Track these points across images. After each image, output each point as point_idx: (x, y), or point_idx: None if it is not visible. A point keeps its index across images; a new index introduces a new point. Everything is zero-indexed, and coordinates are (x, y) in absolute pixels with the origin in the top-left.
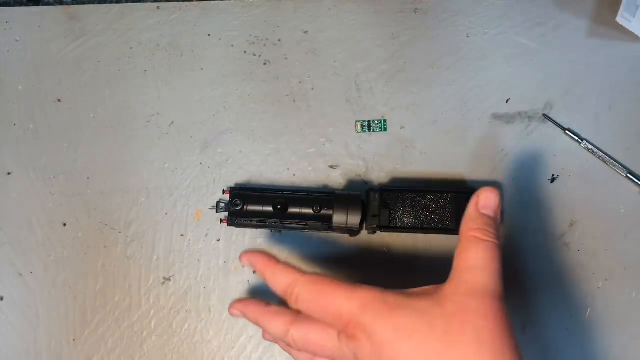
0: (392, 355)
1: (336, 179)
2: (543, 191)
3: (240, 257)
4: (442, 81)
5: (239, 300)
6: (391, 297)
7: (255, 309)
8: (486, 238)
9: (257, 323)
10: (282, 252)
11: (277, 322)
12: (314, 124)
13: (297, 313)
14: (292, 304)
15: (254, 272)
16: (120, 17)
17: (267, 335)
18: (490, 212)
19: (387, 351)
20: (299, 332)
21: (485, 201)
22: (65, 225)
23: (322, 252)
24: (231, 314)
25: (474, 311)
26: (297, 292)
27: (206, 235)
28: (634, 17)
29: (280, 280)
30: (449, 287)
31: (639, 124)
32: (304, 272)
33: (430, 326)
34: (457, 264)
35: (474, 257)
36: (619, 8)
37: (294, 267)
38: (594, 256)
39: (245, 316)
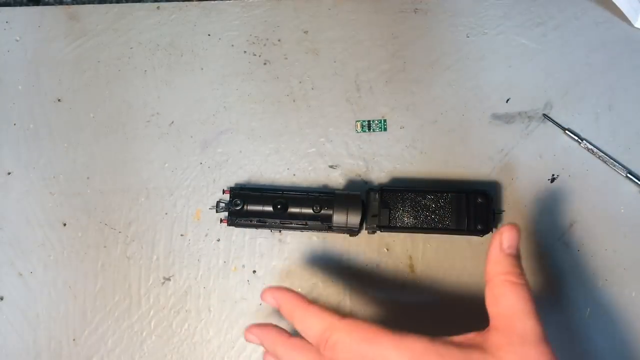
0: None
1: (336, 179)
2: (543, 191)
3: (263, 293)
4: (442, 81)
5: (257, 325)
6: (443, 349)
7: (276, 339)
8: (519, 280)
9: (274, 353)
10: (282, 252)
11: (300, 358)
12: (314, 124)
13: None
14: (328, 351)
15: (279, 311)
16: (120, 17)
17: None
18: (514, 250)
19: None
20: None
21: (510, 241)
22: (65, 225)
23: (322, 252)
24: (246, 339)
25: None
26: (335, 339)
27: (206, 235)
28: None
29: (313, 324)
30: (499, 337)
31: (639, 124)
32: (342, 316)
33: None
34: (498, 311)
35: (515, 304)
36: (618, 9)
37: (329, 310)
38: (594, 256)
39: (262, 343)
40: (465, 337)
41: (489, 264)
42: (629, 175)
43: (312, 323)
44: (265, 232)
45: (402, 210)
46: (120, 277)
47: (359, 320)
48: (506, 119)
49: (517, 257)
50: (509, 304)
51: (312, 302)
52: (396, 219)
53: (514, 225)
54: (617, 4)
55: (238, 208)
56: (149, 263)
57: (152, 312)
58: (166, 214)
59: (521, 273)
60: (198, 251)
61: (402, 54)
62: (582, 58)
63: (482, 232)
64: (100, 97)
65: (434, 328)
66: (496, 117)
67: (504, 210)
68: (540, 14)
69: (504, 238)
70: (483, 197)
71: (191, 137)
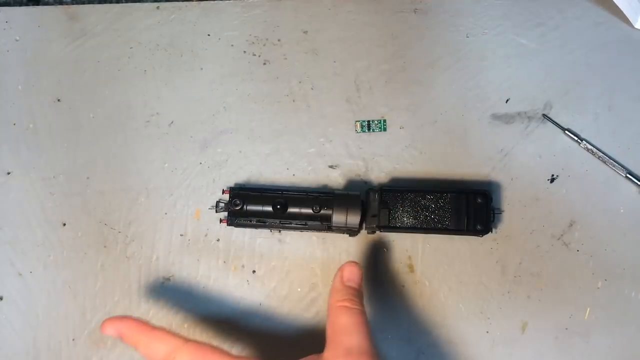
0: None
1: (336, 179)
2: (543, 191)
3: (103, 325)
4: (442, 81)
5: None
6: None
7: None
8: (353, 306)
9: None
10: (281, 252)
11: (161, 345)
12: (314, 124)
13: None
14: None
15: (123, 341)
16: (120, 17)
17: None
18: (354, 284)
19: None
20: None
21: (349, 275)
22: (65, 225)
23: (322, 252)
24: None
25: None
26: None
27: (206, 235)
28: None
29: (159, 347)
30: (329, 353)
31: (639, 124)
32: (186, 339)
33: None
34: (331, 330)
35: (346, 323)
36: (618, 10)
37: (173, 333)
38: (593, 256)
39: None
40: (305, 358)
41: (331, 294)
42: (628, 175)
43: (157, 346)
44: (265, 232)
45: (402, 210)
46: (120, 277)
47: (202, 344)
48: (506, 119)
49: (356, 289)
50: (340, 324)
51: (156, 327)
52: (396, 219)
53: (355, 262)
54: (617, 4)
55: (238, 208)
56: (148, 263)
57: (152, 312)
58: (166, 213)
59: (357, 301)
60: (198, 251)
61: (402, 54)
62: (582, 58)
63: (482, 232)
64: (100, 97)
65: (433, 327)
66: (496, 117)
67: (503, 211)
68: (540, 15)
69: (345, 272)
70: (483, 197)
71: (191, 137)
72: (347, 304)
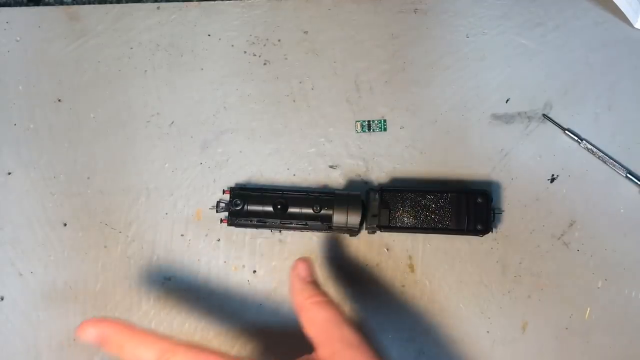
0: None
1: (336, 179)
2: (543, 191)
3: (80, 328)
4: (442, 81)
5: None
6: None
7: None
8: (325, 299)
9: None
10: (282, 252)
11: (149, 350)
12: (314, 124)
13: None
14: None
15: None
16: (120, 17)
17: None
18: (311, 278)
19: None
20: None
21: (305, 272)
22: (65, 225)
23: (322, 252)
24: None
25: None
26: None
27: (206, 235)
28: None
29: (146, 353)
30: (324, 351)
31: (639, 124)
32: (177, 342)
33: None
34: (316, 329)
35: (329, 317)
36: (618, 10)
37: (162, 336)
38: (593, 256)
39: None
40: (298, 359)
41: (295, 295)
42: (628, 175)
43: (148, 349)
44: (265, 232)
45: (402, 210)
46: (120, 277)
47: (194, 346)
48: (506, 119)
49: (316, 283)
50: (323, 319)
51: (142, 329)
52: (396, 219)
53: (305, 258)
54: (617, 4)
55: (238, 208)
56: (149, 263)
57: (152, 312)
58: (166, 214)
59: (325, 293)
60: (198, 251)
61: (402, 54)
62: (582, 58)
63: (482, 232)
64: (100, 97)
65: (434, 327)
66: (496, 117)
67: (503, 210)
68: (540, 15)
69: (299, 270)
70: (483, 197)
71: (191, 137)
72: (319, 298)
